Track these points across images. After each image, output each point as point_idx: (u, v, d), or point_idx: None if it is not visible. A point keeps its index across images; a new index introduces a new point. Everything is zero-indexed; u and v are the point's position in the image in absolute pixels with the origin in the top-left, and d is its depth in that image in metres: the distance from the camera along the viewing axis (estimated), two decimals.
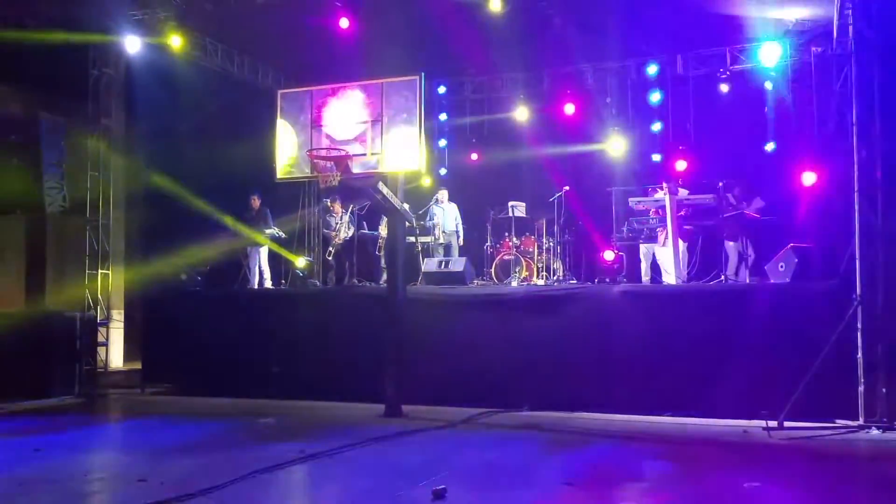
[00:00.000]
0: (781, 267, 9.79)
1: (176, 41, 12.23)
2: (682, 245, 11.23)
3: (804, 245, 10.05)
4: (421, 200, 13.58)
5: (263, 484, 5.98)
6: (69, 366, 11.30)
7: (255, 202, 12.98)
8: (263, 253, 13.06)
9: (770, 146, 12.91)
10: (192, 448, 7.53)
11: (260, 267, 13.00)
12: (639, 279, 11.69)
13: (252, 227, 12.89)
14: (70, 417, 9.67)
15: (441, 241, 13.34)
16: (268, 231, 12.98)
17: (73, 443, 7.81)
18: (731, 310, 9.31)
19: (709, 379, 9.12)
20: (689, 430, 8.58)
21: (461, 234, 13.62)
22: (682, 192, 11.46)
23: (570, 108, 14.37)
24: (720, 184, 11.32)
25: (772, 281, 9.89)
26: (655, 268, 11.69)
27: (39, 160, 11.27)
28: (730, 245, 11.40)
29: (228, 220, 12.87)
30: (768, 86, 12.94)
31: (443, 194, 13.59)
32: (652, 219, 11.50)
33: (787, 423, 8.29)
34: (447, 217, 13.49)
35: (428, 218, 13.41)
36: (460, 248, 13.59)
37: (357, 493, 5.87)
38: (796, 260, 9.61)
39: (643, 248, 11.75)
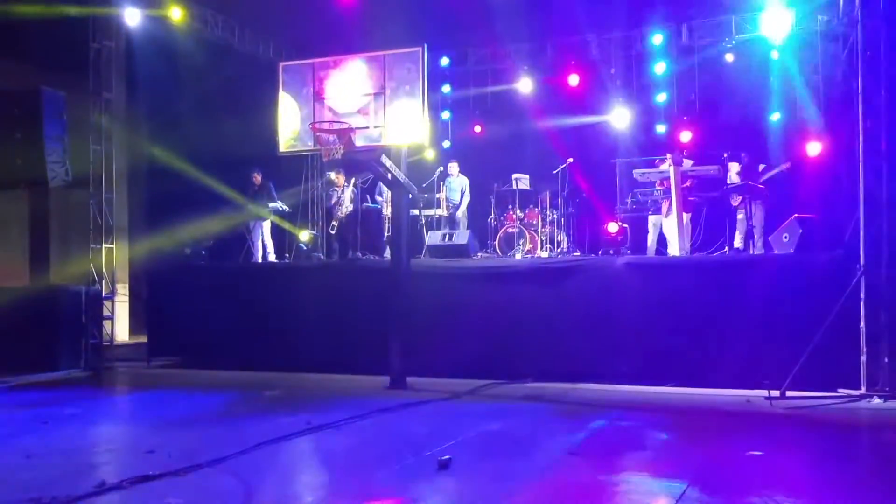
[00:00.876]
0: (785, 238, 9.80)
1: (176, 13, 12.16)
2: (685, 217, 11.22)
3: (808, 216, 10.05)
4: (424, 173, 13.57)
5: (270, 454, 6.05)
6: (75, 340, 11.39)
7: (257, 178, 12.99)
8: (266, 227, 13.10)
9: (775, 116, 12.85)
10: (199, 420, 7.61)
11: (263, 241, 13.04)
12: (644, 251, 11.70)
13: (255, 201, 12.91)
14: (77, 390, 9.76)
15: (446, 213, 13.33)
16: (271, 205, 12.99)
17: (80, 415, 7.89)
18: (735, 281, 9.34)
19: (712, 350, 9.19)
20: (693, 400, 8.65)
21: (464, 206, 13.59)
22: (687, 164, 11.43)
23: (574, 80, 14.30)
24: (724, 154, 11.30)
25: (776, 252, 9.90)
26: (662, 239, 11.71)
27: (41, 134, 11.22)
28: (740, 216, 11.37)
29: (231, 194, 12.88)
30: (774, 55, 12.84)
31: (452, 167, 13.57)
32: (656, 190, 11.50)
33: (789, 393, 8.35)
34: (454, 190, 13.48)
35: (436, 190, 13.39)
36: (469, 220, 13.59)
37: (363, 463, 5.94)
38: (800, 230, 9.62)
39: (652, 219, 11.75)
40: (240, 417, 7.75)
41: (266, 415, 7.82)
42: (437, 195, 13.35)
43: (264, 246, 13.06)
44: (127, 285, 13.93)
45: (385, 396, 8.83)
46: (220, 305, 11.50)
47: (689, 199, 11.28)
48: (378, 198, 13.41)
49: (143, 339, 12.54)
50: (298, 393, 9.41)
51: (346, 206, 13.15)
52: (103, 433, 7.25)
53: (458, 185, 13.52)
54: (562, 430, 7.11)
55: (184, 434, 6.86)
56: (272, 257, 13.11)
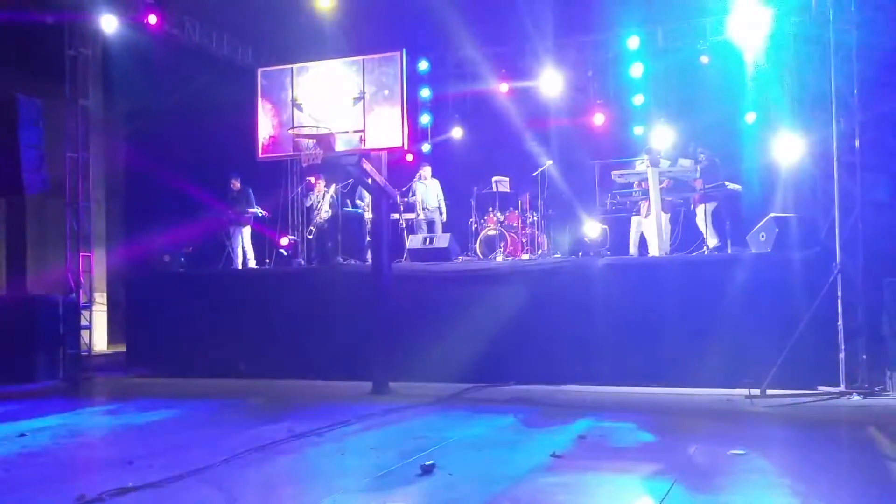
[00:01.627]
0: (762, 237, 9.86)
1: (152, 19, 12.04)
2: (664, 217, 11.26)
3: (785, 215, 10.12)
4: (404, 177, 13.51)
5: (253, 463, 5.99)
6: (53, 350, 11.23)
7: (236, 185, 12.91)
8: (246, 233, 13.00)
9: (751, 117, 12.93)
10: (181, 429, 7.53)
11: (243, 247, 12.95)
12: (625, 252, 11.73)
13: (234, 207, 12.82)
14: (55, 401, 9.61)
15: (422, 217, 13.29)
16: (250, 211, 12.90)
17: (58, 426, 7.76)
18: (714, 280, 9.41)
19: (693, 349, 9.23)
20: (676, 399, 8.68)
21: (444, 210, 13.57)
22: (664, 164, 11.47)
23: (551, 82, 14.31)
24: (701, 155, 11.35)
25: (753, 251, 9.96)
26: (643, 240, 11.75)
27: (17, 142, 11.09)
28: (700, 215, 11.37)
29: (210, 200, 12.78)
30: (748, 57, 12.92)
31: (426, 171, 13.54)
32: (635, 191, 11.53)
33: (770, 391, 8.40)
34: (429, 193, 13.44)
35: (410, 194, 13.36)
36: (443, 224, 13.57)
37: (346, 469, 5.89)
38: (777, 230, 9.68)
39: (635, 220, 11.77)
40: (221, 426, 7.68)
41: (248, 423, 7.76)
42: (413, 198, 13.28)
43: (244, 252, 12.97)
44: (105, 294, 13.78)
45: (368, 402, 8.79)
46: (200, 313, 11.41)
47: (667, 199, 11.31)
48: (360, 202, 13.35)
49: (122, 348, 12.42)
50: (281, 400, 9.35)
51: (326, 211, 13.08)
52: (82, 444, 7.14)
53: (432, 189, 13.48)
54: (546, 431, 7.10)
55: (165, 444, 6.77)
56: (252, 263, 13.02)
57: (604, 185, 12.06)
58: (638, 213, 11.55)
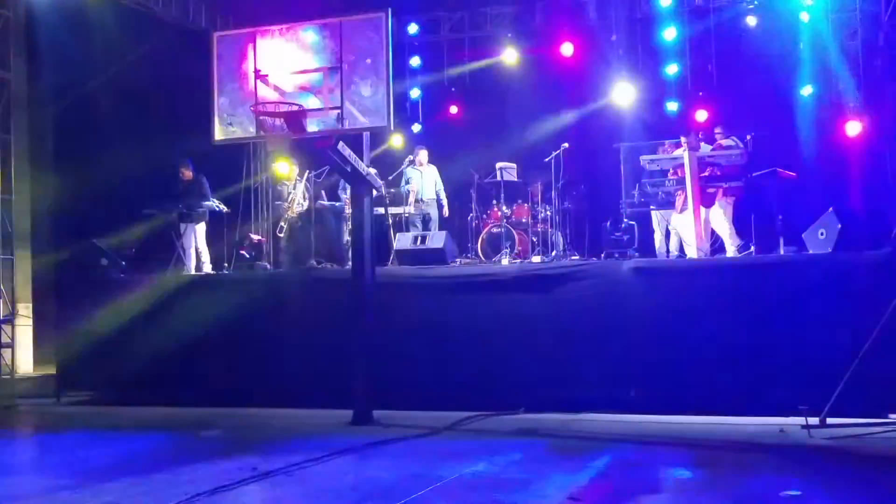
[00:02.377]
0: (822, 234, 9.85)
1: None
2: (703, 212, 11.26)
3: (848, 207, 10.12)
4: (391, 164, 13.52)
5: None
6: None
7: (187, 173, 12.90)
8: (200, 231, 12.99)
9: (807, 90, 12.95)
10: (124, 467, 7.47)
11: (197, 248, 12.94)
12: (654, 252, 11.74)
13: (185, 200, 12.79)
14: None
15: (415, 211, 13.30)
16: (205, 204, 12.89)
17: None
18: (763, 287, 9.40)
19: (738, 370, 9.23)
20: (716, 430, 8.66)
21: (444, 202, 13.59)
22: (705, 148, 11.48)
23: (567, 49, 14.33)
24: (748, 136, 11.36)
25: (810, 251, 9.96)
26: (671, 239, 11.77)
27: None
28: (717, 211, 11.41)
29: (157, 192, 12.78)
30: (804, 17, 12.94)
31: (422, 155, 13.55)
32: (668, 181, 11.54)
33: (830, 420, 8.37)
34: (426, 182, 13.46)
35: (404, 182, 13.36)
36: (442, 219, 13.58)
37: None
38: (839, 225, 9.66)
39: (656, 216, 11.78)
40: (172, 463, 7.64)
41: (204, 459, 7.72)
42: (406, 187, 13.29)
43: (198, 254, 12.96)
44: (30, 305, 13.72)
45: (347, 434, 8.77)
46: (145, 328, 11.37)
47: (708, 190, 11.32)
48: (342, 194, 13.33)
49: (52, 370, 12.37)
50: (242, 432, 9.32)
51: (298, 205, 13.07)
52: (6, 487, 7.11)
53: (429, 177, 13.50)
54: (560, 470, 7.08)
55: (106, 485, 6.73)
56: (207, 267, 13.01)
57: (631, 174, 12.06)
58: (668, 206, 11.56)
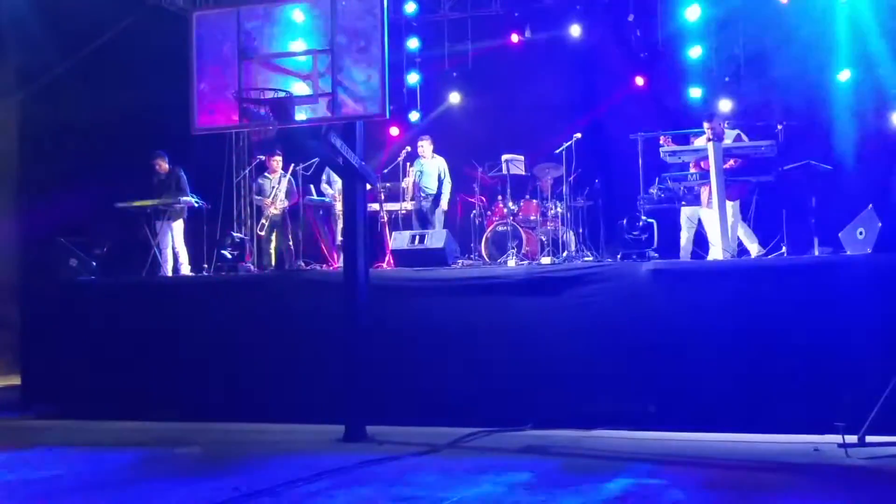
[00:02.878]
0: (861, 234, 9.83)
1: None
2: (730, 207, 11.23)
3: (890, 204, 10.09)
4: (387, 155, 13.53)
5: None
6: None
7: (163, 164, 12.92)
8: (178, 229, 13.00)
9: (844, 75, 12.92)
10: (94, 488, 7.48)
11: (174, 247, 12.97)
12: (676, 252, 11.71)
13: (161, 195, 12.78)
14: None
15: (411, 207, 13.28)
16: (183, 199, 12.88)
17: None
18: (795, 292, 9.36)
19: (768, 383, 9.21)
20: (744, 449, 8.64)
21: (443, 197, 13.55)
22: (730, 136, 11.44)
23: (578, 30, 14.30)
24: (779, 126, 11.33)
25: (848, 252, 9.93)
26: (701, 239, 11.73)
27: None
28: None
29: (130, 186, 12.77)
30: None
31: (425, 145, 13.52)
32: (692, 174, 11.50)
33: (870, 438, 8.34)
34: (428, 175, 13.43)
35: (404, 176, 13.35)
36: (447, 216, 13.57)
37: None
38: (879, 224, 9.64)
39: (686, 211, 11.73)
40: (146, 483, 7.65)
41: (181, 479, 7.73)
42: (403, 183, 13.28)
43: (175, 254, 12.98)
44: None
45: (338, 452, 8.76)
46: (117, 335, 11.40)
47: (735, 183, 11.30)
48: (327, 189, 13.33)
49: (16, 380, 12.37)
50: (223, 449, 9.31)
51: (283, 200, 13.07)
52: None
53: (433, 170, 13.47)
54: (572, 492, 7.06)
55: None
56: (185, 269, 13.01)
57: (650, 166, 12.03)
58: (692, 202, 11.52)
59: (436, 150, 13.74)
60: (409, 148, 13.59)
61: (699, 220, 11.68)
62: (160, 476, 8.03)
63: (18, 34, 12.89)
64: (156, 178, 12.93)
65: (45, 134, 12.98)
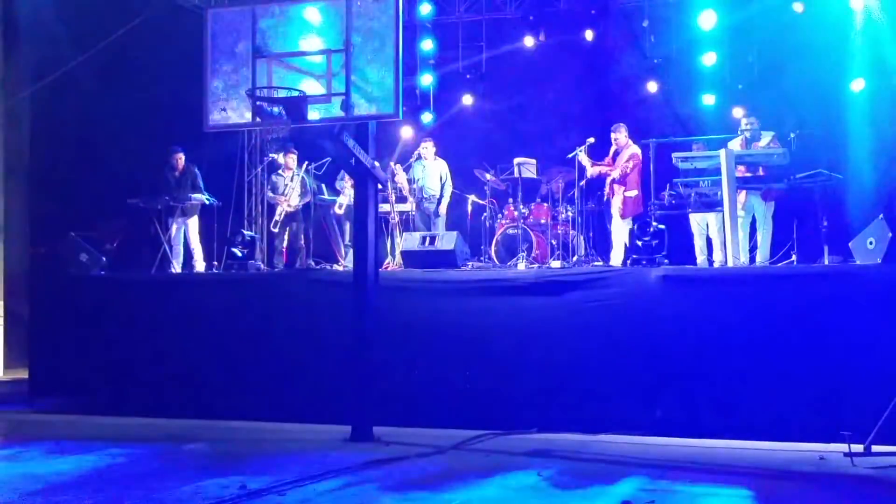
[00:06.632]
0: (870, 243, 9.83)
1: None
2: (741, 215, 11.24)
3: None
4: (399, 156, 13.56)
5: None
6: None
7: (179, 160, 12.92)
8: (192, 225, 13.02)
9: (858, 84, 12.90)
10: (101, 483, 7.52)
11: (187, 244, 12.98)
12: (686, 259, 11.71)
13: (175, 192, 12.83)
14: None
15: (412, 209, 13.29)
16: (196, 197, 12.92)
17: None
18: (805, 301, 9.37)
19: (775, 391, 9.21)
20: (749, 456, 8.64)
21: (443, 199, 13.53)
22: (767, 137, 11.45)
23: (592, 34, 14.31)
24: (791, 135, 11.34)
25: (857, 262, 9.93)
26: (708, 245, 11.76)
27: None
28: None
29: (144, 182, 12.81)
30: (857, 4, 12.89)
31: (428, 147, 13.54)
32: (703, 180, 11.51)
33: (876, 448, 8.35)
34: (430, 177, 13.45)
35: (410, 179, 13.36)
36: (455, 218, 13.57)
37: None
38: (890, 235, 9.64)
39: (696, 218, 11.74)
40: (153, 480, 7.66)
41: (187, 476, 7.74)
42: (399, 182, 13.26)
43: (190, 251, 12.99)
44: (1, 304, 13.81)
45: (344, 452, 8.79)
46: (126, 330, 11.42)
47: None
48: (341, 184, 13.28)
49: (24, 374, 12.42)
50: (230, 447, 9.34)
51: (295, 199, 13.10)
52: None
53: (435, 172, 13.45)
54: (580, 495, 7.08)
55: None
56: (200, 266, 13.03)
57: (662, 172, 12.03)
58: (704, 208, 11.53)
59: (448, 152, 13.73)
60: (421, 149, 13.53)
61: (707, 226, 11.72)
62: (168, 472, 8.03)
63: (32, 29, 12.95)
64: (171, 174, 12.93)
65: (58, 129, 13.01)
